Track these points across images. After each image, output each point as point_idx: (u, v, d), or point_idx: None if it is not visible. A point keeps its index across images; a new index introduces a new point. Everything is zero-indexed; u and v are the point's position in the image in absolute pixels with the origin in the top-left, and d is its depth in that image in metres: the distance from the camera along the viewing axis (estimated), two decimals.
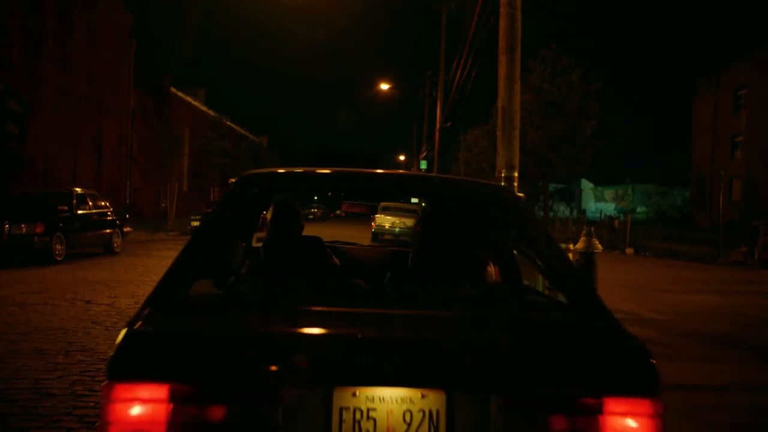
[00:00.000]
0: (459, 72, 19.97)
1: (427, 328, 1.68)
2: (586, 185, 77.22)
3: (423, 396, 1.58)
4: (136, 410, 1.54)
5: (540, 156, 22.86)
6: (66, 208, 12.43)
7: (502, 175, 10.07)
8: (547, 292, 3.51)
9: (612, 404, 1.57)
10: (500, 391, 1.59)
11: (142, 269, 11.15)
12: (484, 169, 33.23)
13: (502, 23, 10.11)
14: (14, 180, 22.49)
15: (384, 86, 36.99)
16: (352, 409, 1.57)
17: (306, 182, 2.42)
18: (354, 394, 1.58)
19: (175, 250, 15.44)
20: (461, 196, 2.49)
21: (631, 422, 1.56)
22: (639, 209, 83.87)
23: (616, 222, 17.66)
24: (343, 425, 1.56)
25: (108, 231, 13.85)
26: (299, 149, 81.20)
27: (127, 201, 30.45)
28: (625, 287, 9.57)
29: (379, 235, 23.22)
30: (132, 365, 1.57)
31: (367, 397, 1.58)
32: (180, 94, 37.35)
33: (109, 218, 14.01)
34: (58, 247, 11.62)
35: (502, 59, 10.15)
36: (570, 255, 7.19)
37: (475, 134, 34.89)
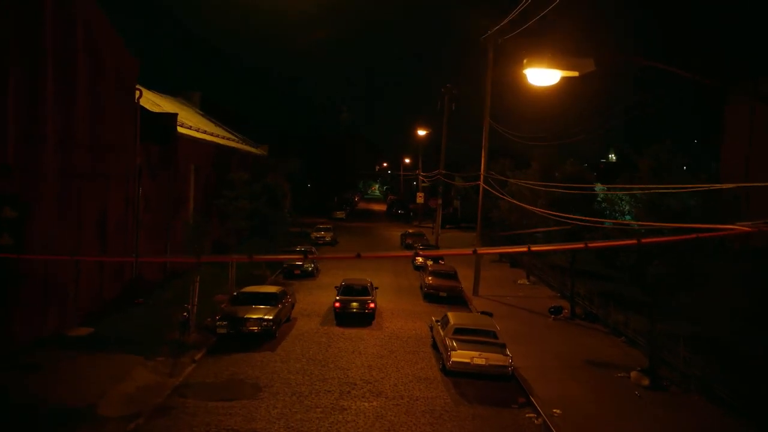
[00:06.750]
0: None
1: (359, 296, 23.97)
2: (599, 187, 73.89)
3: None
4: None
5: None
6: None
7: None
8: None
9: None
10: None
11: None
12: (525, 224, 28.35)
13: None
14: (12, 294, 18.63)
15: (421, 132, 32.92)
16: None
17: None
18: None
19: None
20: None
21: None
22: None
23: None
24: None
25: None
26: (297, 139, 76.70)
27: (134, 275, 26.54)
28: None
29: (456, 374, 17.22)
30: None
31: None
32: (184, 130, 33.06)
33: None
34: None
35: None
36: None
37: (520, 187, 28.71)
